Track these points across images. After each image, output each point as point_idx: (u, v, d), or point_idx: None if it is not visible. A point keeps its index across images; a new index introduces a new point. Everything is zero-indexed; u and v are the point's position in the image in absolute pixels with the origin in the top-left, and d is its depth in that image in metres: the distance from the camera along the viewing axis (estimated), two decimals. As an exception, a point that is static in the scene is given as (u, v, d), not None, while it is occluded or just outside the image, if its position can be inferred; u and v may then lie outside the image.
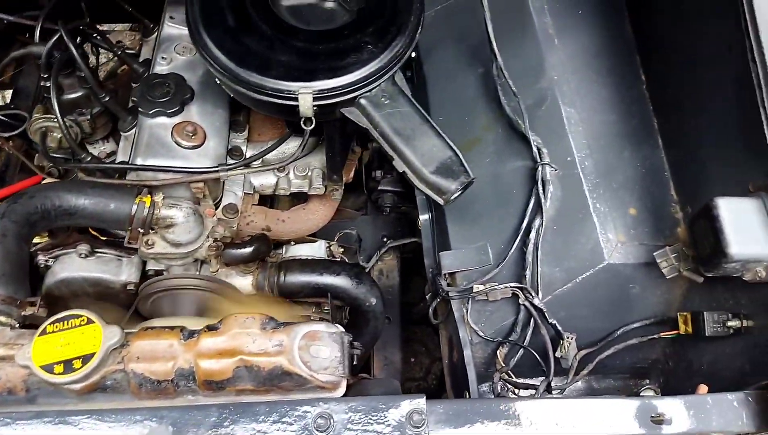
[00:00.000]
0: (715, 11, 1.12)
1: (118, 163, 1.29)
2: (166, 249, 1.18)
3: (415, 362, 2.14)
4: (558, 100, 1.39)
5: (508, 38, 1.49)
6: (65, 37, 1.23)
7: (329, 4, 1.22)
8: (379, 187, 1.79)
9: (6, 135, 1.51)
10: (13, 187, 1.47)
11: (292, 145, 1.40)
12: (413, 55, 1.79)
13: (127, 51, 1.65)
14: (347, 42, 1.14)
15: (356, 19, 1.19)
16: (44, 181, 1.42)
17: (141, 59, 1.53)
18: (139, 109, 1.23)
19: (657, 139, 1.36)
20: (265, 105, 1.16)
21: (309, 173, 1.43)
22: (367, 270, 1.75)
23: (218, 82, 1.17)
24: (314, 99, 1.10)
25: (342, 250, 1.57)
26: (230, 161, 1.36)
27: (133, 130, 1.32)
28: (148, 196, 1.14)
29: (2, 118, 1.48)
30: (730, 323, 1.08)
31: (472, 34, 1.59)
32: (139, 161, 1.22)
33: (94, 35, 1.54)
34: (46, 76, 1.30)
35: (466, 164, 1.17)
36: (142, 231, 1.16)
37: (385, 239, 1.82)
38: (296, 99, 1.09)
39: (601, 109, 1.40)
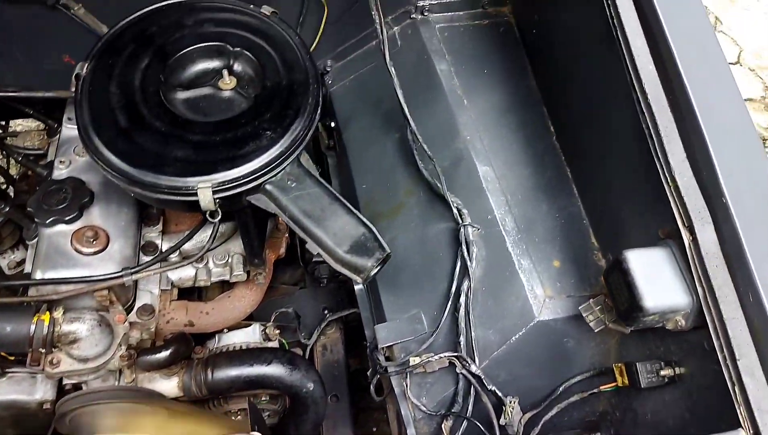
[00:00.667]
0: (608, 65, 1.15)
1: (15, 277, 1.22)
2: (73, 366, 1.10)
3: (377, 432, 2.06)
4: (473, 158, 1.40)
5: (419, 102, 1.51)
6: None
7: (226, 93, 1.20)
8: (314, 259, 1.75)
9: None
10: None
11: (209, 233, 1.35)
12: (332, 124, 1.82)
13: (34, 152, 1.59)
14: (245, 130, 1.12)
15: (253, 106, 1.17)
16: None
17: (48, 160, 1.48)
18: (36, 219, 1.17)
19: (572, 188, 1.37)
20: (167, 202, 1.12)
21: (229, 260, 1.38)
22: (309, 347, 1.69)
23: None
24: (215, 192, 1.07)
25: (279, 331, 1.51)
26: (144, 258, 1.31)
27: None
28: (47, 312, 1.07)
29: None
30: (663, 372, 1.06)
31: (386, 100, 1.60)
32: (38, 275, 1.15)
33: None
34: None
35: (381, 238, 1.14)
36: (44, 351, 1.08)
37: (326, 312, 1.76)
38: (195, 194, 1.05)
39: (516, 164, 1.41)
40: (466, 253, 1.28)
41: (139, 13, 1.26)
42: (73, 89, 1.16)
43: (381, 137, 1.60)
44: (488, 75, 1.57)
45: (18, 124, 1.85)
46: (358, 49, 1.81)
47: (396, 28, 1.74)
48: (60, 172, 1.27)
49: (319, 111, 1.18)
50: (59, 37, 1.65)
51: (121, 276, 1.13)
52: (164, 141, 1.09)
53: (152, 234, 1.37)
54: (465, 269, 1.28)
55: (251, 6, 1.31)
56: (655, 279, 0.95)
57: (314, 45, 1.75)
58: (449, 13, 1.72)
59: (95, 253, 1.17)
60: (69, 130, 1.35)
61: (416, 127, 1.40)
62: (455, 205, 1.33)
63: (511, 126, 1.47)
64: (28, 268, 1.31)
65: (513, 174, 1.39)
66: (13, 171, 1.95)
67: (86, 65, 1.18)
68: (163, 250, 1.34)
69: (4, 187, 1.70)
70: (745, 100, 2.99)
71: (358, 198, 1.56)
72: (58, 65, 1.73)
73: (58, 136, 1.40)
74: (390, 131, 1.59)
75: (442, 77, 1.56)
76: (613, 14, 1.09)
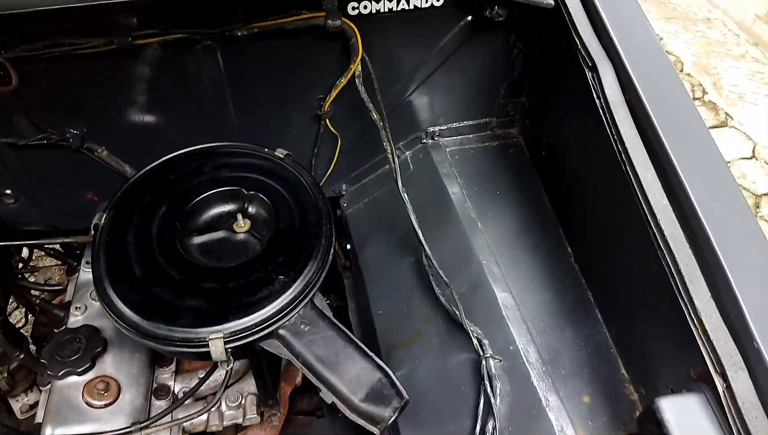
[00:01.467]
0: (621, 194, 1.14)
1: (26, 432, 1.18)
2: None
3: None
4: (491, 284, 1.37)
5: (433, 226, 1.51)
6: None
7: (240, 236, 1.22)
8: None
9: None
10: None
11: (222, 374, 1.32)
12: (348, 246, 1.82)
13: (53, 288, 1.62)
14: (258, 275, 1.11)
15: (267, 249, 1.18)
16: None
17: (66, 297, 1.49)
18: (48, 372, 1.16)
19: (596, 314, 1.32)
20: (179, 353, 1.10)
21: (242, 401, 1.33)
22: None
23: (129, 334, 1.12)
24: (227, 341, 1.05)
25: (295, 470, 1.43)
26: (156, 403, 1.27)
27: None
28: (52, 476, 1.03)
29: None
30: None
31: (400, 223, 1.61)
32: (47, 431, 1.11)
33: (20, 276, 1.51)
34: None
35: (398, 383, 1.10)
36: None
37: (344, 446, 1.68)
38: (207, 345, 1.04)
39: (535, 289, 1.38)
40: (489, 389, 1.22)
41: (159, 162, 1.32)
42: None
43: (397, 261, 1.59)
44: (501, 197, 1.58)
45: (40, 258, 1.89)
46: (371, 173, 1.86)
47: (408, 152, 1.79)
48: (75, 319, 1.27)
49: (332, 252, 1.18)
50: (83, 176, 1.72)
51: (131, 432, 1.09)
52: (178, 291, 1.09)
53: (165, 375, 1.34)
54: (489, 406, 1.22)
55: (266, 149, 1.35)
56: (691, 430, 0.88)
57: (329, 172, 1.79)
58: (459, 137, 1.77)
59: (106, 405, 1.14)
60: (86, 273, 1.37)
61: (431, 252, 1.39)
62: (475, 334, 1.29)
63: (528, 248, 1.45)
64: (39, 414, 1.28)
65: (533, 300, 1.36)
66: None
67: (104, 215, 1.21)
68: (176, 393, 1.30)
69: (20, 325, 1.71)
70: (763, 194, 2.97)
71: (375, 325, 1.52)
72: (81, 202, 1.80)
73: (76, 277, 1.42)
74: (405, 255, 1.58)
75: (454, 200, 1.57)
76: (620, 149, 1.10)
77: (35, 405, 1.42)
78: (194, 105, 1.61)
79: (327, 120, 1.67)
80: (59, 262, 1.80)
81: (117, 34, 1.38)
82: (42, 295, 1.49)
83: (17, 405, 1.46)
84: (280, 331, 1.10)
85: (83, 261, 1.40)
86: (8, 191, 1.74)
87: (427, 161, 1.72)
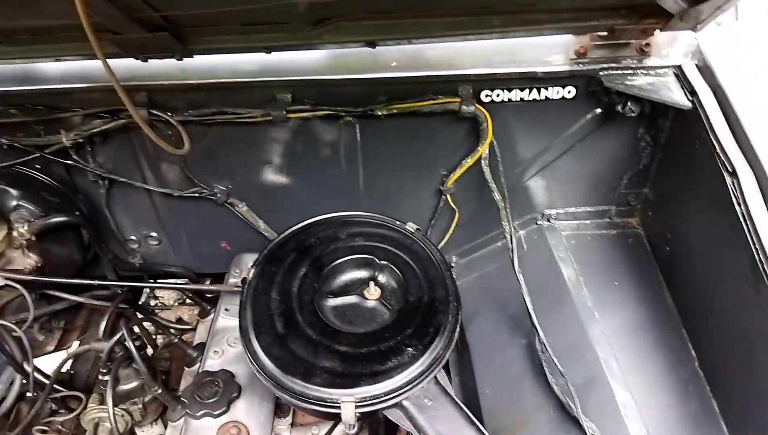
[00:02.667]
0: (757, 305, 1.11)
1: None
2: None
3: None
4: (608, 380, 1.35)
5: (546, 310, 1.52)
6: (127, 339, 1.32)
7: (370, 303, 1.29)
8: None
9: (61, 419, 1.56)
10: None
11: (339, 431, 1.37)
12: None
13: (184, 327, 1.76)
14: (388, 344, 1.17)
15: (396, 319, 1.24)
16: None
17: (196, 341, 1.62)
18: (187, 411, 1.26)
19: (720, 425, 1.26)
20: (309, 410, 1.16)
21: (352, 463, 1.37)
22: None
23: (265, 384, 1.20)
24: (357, 406, 1.10)
25: None
26: (273, 452, 1.34)
27: (181, 421, 1.34)
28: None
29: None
30: None
31: (511, 302, 1.63)
32: (180, 466, 1.20)
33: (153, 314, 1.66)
34: (105, 371, 1.37)
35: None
36: None
37: None
38: (339, 406, 1.10)
39: (656, 391, 1.34)
40: (604, 490, 1.19)
41: (300, 225, 1.43)
42: (239, 290, 1.30)
43: (507, 341, 1.60)
44: (619, 288, 1.57)
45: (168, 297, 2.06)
46: (483, 248, 1.90)
47: (522, 232, 1.83)
48: (213, 362, 1.38)
49: (458, 330, 1.22)
50: (220, 226, 1.90)
51: (257, 480, 1.16)
52: (314, 350, 1.16)
53: (281, 426, 1.41)
54: (603, 508, 1.18)
55: (397, 222, 1.44)
56: None
57: (442, 244, 1.86)
58: (575, 222, 1.79)
59: (235, 450, 1.22)
60: (224, 320, 1.48)
61: (545, 337, 1.39)
62: (590, 431, 1.27)
63: (649, 346, 1.42)
64: (165, 449, 1.39)
65: (654, 401, 1.32)
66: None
67: (252, 271, 1.32)
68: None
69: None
70: None
71: (480, 404, 1.53)
72: (214, 250, 1.97)
73: (211, 322, 1.54)
74: (516, 336, 1.59)
75: (570, 285, 1.58)
76: (761, 259, 1.08)
77: (159, 437, 1.53)
78: (328, 172, 1.75)
79: (448, 195, 1.74)
80: (190, 303, 1.95)
81: (273, 107, 1.55)
82: (177, 334, 1.63)
83: (142, 434, 1.58)
84: (404, 402, 1.15)
85: (221, 308, 1.52)
86: (154, 234, 1.95)
87: (541, 243, 1.74)
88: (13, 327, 1.46)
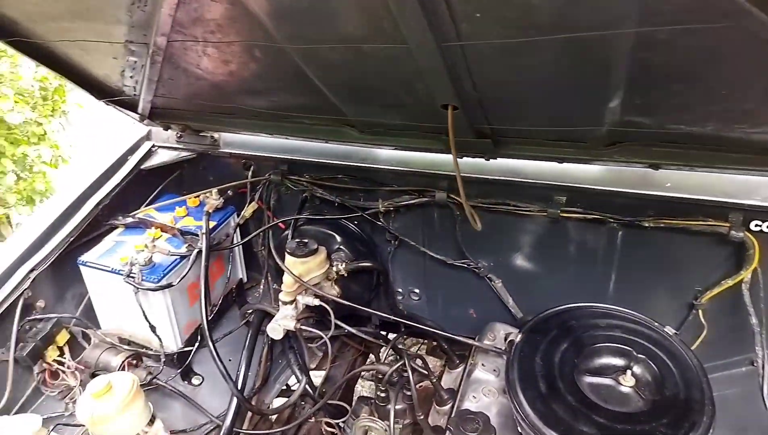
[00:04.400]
0: None
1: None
2: None
3: None
4: None
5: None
6: (407, 368, 1.66)
7: (624, 389, 1.45)
8: None
9: (325, 419, 1.95)
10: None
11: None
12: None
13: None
14: (643, 428, 1.32)
15: (652, 408, 1.38)
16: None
17: (445, 386, 1.92)
18: (449, 439, 1.53)
19: None
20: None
21: None
22: None
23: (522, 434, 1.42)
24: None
25: None
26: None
27: (434, 447, 1.61)
28: None
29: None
30: None
31: (752, 429, 1.62)
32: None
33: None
34: (383, 389, 1.73)
35: None
36: None
37: None
38: (592, 470, 1.27)
39: None
40: None
41: (562, 307, 1.67)
42: (505, 349, 1.56)
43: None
44: None
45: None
46: (724, 369, 1.90)
47: None
48: (471, 404, 1.65)
49: (711, 432, 1.31)
50: (473, 295, 2.21)
51: None
52: (574, 414, 1.36)
53: (517, 479, 1.59)
54: None
55: (656, 323, 1.59)
56: None
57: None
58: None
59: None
60: (480, 373, 1.75)
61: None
62: None
63: None
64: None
65: None
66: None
67: (518, 335, 1.58)
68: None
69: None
70: None
71: None
72: (462, 314, 2.29)
73: (463, 372, 1.82)
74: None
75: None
76: None
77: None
78: (581, 268, 1.97)
79: (700, 310, 1.83)
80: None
81: (549, 205, 1.85)
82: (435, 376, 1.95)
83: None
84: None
85: (479, 362, 1.80)
86: (417, 290, 2.35)
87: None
88: (320, 334, 1.90)
